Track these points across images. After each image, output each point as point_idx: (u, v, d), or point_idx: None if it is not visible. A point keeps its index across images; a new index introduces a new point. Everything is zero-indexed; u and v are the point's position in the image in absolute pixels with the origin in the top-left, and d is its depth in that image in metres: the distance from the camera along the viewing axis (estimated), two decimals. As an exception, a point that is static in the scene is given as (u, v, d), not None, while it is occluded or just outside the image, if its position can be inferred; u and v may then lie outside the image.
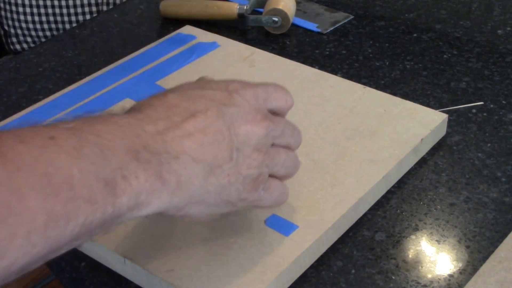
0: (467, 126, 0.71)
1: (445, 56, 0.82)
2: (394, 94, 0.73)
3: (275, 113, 0.47)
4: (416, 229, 0.59)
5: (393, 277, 0.54)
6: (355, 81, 0.74)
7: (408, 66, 0.81)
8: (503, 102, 0.74)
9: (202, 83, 0.46)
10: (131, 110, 0.42)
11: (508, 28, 0.88)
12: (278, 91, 0.48)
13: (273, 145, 0.46)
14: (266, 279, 0.50)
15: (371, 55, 0.83)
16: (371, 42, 0.86)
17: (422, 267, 0.55)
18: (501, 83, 0.77)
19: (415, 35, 0.87)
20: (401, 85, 0.77)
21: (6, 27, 1.44)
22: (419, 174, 0.64)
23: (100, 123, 0.38)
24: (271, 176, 0.46)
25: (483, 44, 0.85)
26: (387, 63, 0.81)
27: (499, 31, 0.87)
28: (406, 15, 0.92)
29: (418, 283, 0.53)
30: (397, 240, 0.57)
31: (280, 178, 0.48)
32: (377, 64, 0.81)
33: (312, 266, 0.55)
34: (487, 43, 0.85)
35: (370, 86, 0.73)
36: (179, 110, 0.41)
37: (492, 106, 0.74)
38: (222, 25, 0.89)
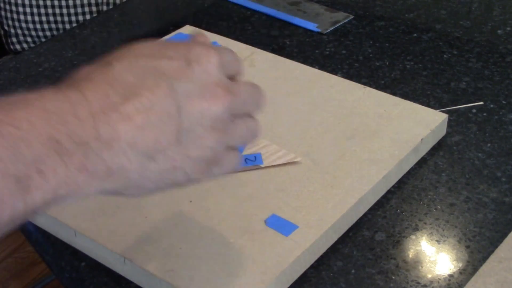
0: (467, 126, 0.71)
1: (445, 56, 0.82)
2: (394, 94, 0.73)
3: (231, 78, 0.42)
4: (416, 229, 0.59)
5: (393, 277, 0.54)
6: (355, 81, 0.74)
7: (408, 66, 0.81)
8: (503, 102, 0.74)
9: (159, 48, 0.40)
10: (68, 85, 0.37)
11: (508, 28, 0.88)
12: (231, 54, 0.42)
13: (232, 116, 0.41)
14: (266, 279, 0.50)
15: (371, 55, 0.83)
16: (371, 42, 0.86)
17: (422, 267, 0.55)
18: (501, 83, 0.77)
19: (415, 35, 0.87)
20: (401, 85, 0.77)
21: (6, 27, 1.44)
22: (419, 174, 0.64)
23: (21, 109, 0.34)
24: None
25: (483, 44, 0.85)
26: (387, 63, 0.81)
27: (499, 31, 0.87)
28: (406, 15, 0.91)
29: (418, 283, 0.53)
30: (397, 240, 0.57)
31: (236, 147, 0.43)
32: (377, 64, 0.81)
33: (312, 266, 0.55)
34: (487, 43, 0.85)
35: (370, 86, 0.73)
36: (122, 86, 0.36)
37: (492, 106, 0.74)
38: (222, 25, 0.89)
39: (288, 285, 0.53)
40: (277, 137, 0.65)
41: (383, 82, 0.78)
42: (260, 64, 0.77)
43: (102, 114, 0.35)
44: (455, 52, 0.83)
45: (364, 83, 0.74)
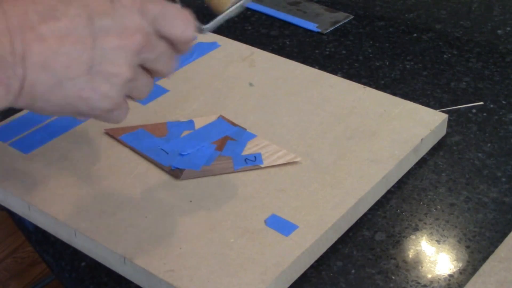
0: (467, 126, 0.71)
1: (445, 56, 0.82)
2: (394, 94, 0.73)
3: (167, 40, 0.42)
4: (416, 229, 0.59)
5: (393, 277, 0.54)
6: (355, 81, 0.74)
7: (408, 66, 0.81)
8: (503, 102, 0.74)
9: None
10: None
11: (508, 28, 0.88)
12: (177, 17, 0.42)
13: (141, 66, 0.42)
14: (266, 279, 0.50)
15: (371, 55, 0.83)
16: (371, 42, 0.86)
17: (422, 267, 0.55)
18: (501, 83, 0.77)
19: (415, 35, 0.87)
20: (401, 85, 0.77)
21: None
22: (419, 174, 0.64)
23: None
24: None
25: (483, 44, 0.85)
26: (387, 63, 0.81)
27: (499, 31, 0.87)
28: (406, 15, 0.92)
29: (418, 283, 0.53)
30: (397, 240, 0.57)
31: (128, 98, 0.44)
32: (377, 64, 0.81)
33: (312, 266, 0.55)
34: (487, 43, 0.85)
35: (370, 86, 0.73)
36: (44, 7, 0.37)
37: (492, 106, 0.74)
38: (222, 25, 0.88)
39: (288, 285, 0.53)
40: (277, 137, 0.65)
41: (383, 82, 0.78)
42: (260, 64, 0.77)
43: (19, 31, 0.36)
44: (455, 52, 0.83)
45: (364, 83, 0.74)
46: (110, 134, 0.62)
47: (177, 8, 0.42)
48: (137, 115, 0.64)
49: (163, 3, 0.42)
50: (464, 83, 0.77)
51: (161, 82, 0.73)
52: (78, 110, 0.41)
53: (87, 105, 0.40)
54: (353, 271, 0.54)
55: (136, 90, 0.42)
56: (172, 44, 0.43)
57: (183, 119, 0.66)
